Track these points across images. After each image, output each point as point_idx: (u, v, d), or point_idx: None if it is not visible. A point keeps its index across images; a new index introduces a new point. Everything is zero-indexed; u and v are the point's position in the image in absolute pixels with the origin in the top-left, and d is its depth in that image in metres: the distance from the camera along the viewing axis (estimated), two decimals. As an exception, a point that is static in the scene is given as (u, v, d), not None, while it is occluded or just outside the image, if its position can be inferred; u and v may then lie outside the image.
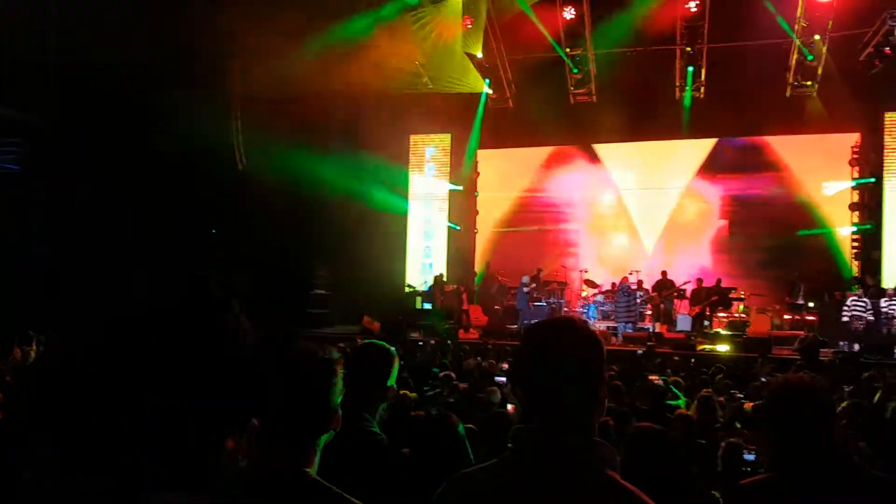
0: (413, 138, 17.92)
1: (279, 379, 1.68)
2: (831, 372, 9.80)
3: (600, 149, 17.33)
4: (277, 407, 1.66)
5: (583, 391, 1.45)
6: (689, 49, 14.97)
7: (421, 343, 12.34)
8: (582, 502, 1.37)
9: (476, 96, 16.74)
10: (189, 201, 12.99)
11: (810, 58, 14.39)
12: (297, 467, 1.64)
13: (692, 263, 16.04)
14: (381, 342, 2.62)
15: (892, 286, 13.23)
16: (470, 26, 15.29)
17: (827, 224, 15.59)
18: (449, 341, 11.88)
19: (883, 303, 12.77)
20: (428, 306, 16.17)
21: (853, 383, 8.06)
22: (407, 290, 17.01)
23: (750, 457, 4.30)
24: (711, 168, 16.60)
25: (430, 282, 16.64)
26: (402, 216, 17.88)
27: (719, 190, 16.57)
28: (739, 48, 14.73)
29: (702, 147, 16.67)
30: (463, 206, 18.05)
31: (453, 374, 6.34)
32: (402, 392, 6.08)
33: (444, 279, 16.46)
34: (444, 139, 17.87)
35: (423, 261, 17.95)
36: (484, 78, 16.32)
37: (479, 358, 9.41)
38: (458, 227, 17.91)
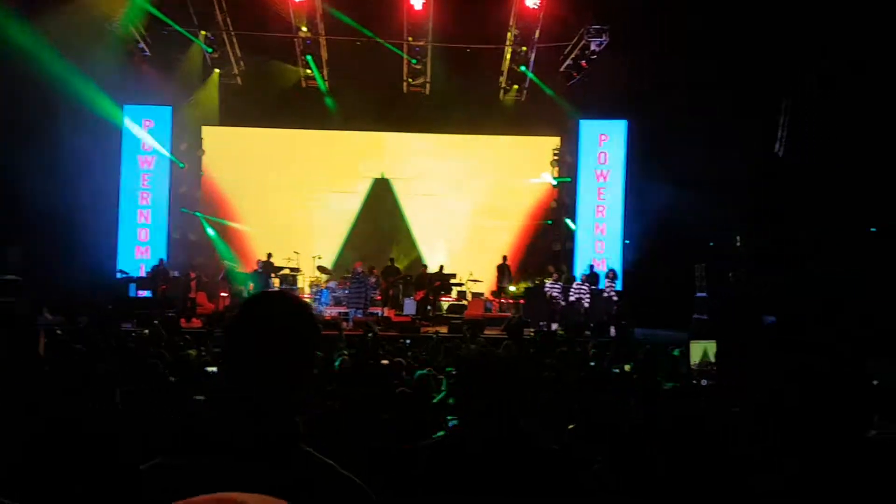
0: (128, 109, 16.24)
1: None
2: (534, 348, 11.03)
3: (329, 135, 17.39)
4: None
5: (289, 365, 1.39)
6: (410, 40, 15.48)
7: (134, 334, 11.32)
8: (287, 480, 1.31)
9: (202, 70, 15.76)
10: None
11: (522, 68, 15.90)
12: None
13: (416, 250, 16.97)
14: None
15: (582, 273, 15.26)
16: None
17: (531, 217, 17.46)
18: (164, 331, 11.00)
19: (574, 287, 14.62)
20: (145, 294, 14.86)
21: (552, 356, 9.15)
22: (119, 276, 15.41)
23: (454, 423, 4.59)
24: (435, 161, 17.58)
25: (149, 267, 15.34)
26: (114, 194, 16.16)
27: (440, 182, 17.62)
28: (462, 49, 15.71)
29: (427, 141, 17.55)
30: (186, 187, 16.91)
31: (160, 364, 5.85)
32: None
33: (165, 264, 15.25)
34: (164, 112, 16.45)
35: (139, 243, 16.43)
36: (209, 51, 15.37)
37: (201, 348, 8.85)
38: (185, 210, 16.74)
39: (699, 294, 13.85)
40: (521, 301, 15.48)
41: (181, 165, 16.63)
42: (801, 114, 14.67)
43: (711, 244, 15.10)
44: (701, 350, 7.28)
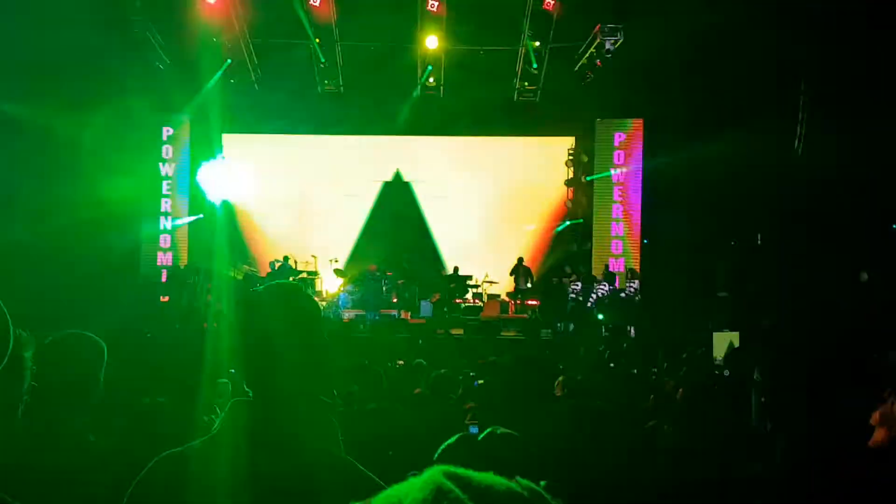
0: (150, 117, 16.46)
1: None
2: (552, 349, 11.06)
3: (347, 139, 17.50)
4: None
5: (301, 360, 1.41)
6: (428, 47, 15.53)
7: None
8: (299, 475, 1.33)
9: (220, 78, 15.91)
10: None
11: (535, 66, 15.87)
12: None
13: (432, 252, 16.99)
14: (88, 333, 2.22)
15: (600, 273, 15.20)
16: (212, 1, 14.43)
17: (546, 218, 17.40)
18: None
19: (593, 287, 14.56)
20: (167, 298, 15.04)
21: (570, 359, 9.20)
22: (142, 281, 15.63)
23: (474, 430, 4.60)
24: (450, 163, 17.60)
25: (170, 272, 15.59)
26: (136, 200, 16.38)
27: (455, 184, 17.64)
28: (474, 51, 15.70)
29: (441, 143, 17.56)
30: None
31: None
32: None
33: (188, 269, 15.46)
34: (183, 119, 16.65)
35: (161, 249, 16.64)
36: (226, 58, 15.54)
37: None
38: (202, 215, 16.92)
39: (720, 294, 13.75)
40: (538, 302, 15.45)
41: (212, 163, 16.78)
42: (821, 111, 14.50)
43: (733, 243, 14.97)
44: (724, 342, 7.21)
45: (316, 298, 14.69)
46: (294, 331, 1.40)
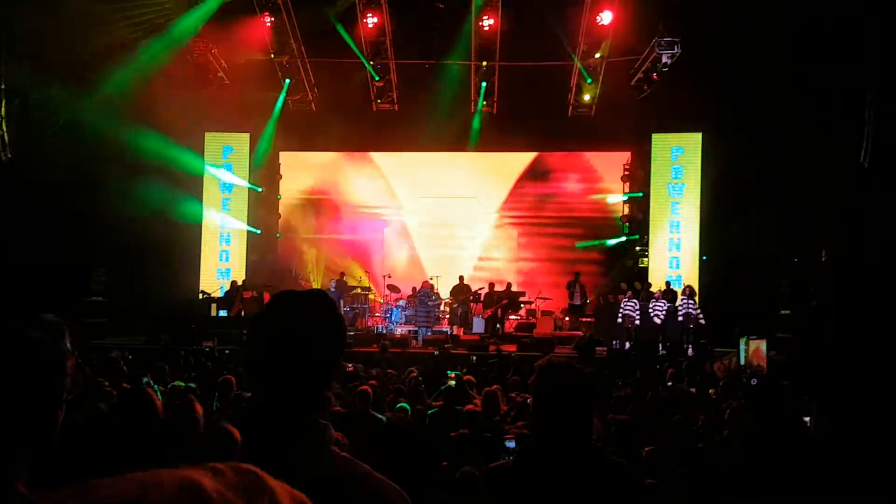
0: (208, 136, 16.96)
1: None
2: (607, 367, 10.82)
3: (401, 156, 17.66)
4: None
5: (312, 365, 1.37)
6: (484, 64, 15.61)
7: (215, 352, 11.71)
8: (305, 481, 1.28)
9: (276, 96, 16.30)
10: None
11: (589, 80, 15.72)
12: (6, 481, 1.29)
13: (484, 269, 16.89)
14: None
15: (657, 290, 14.82)
16: (269, 23, 14.83)
17: (601, 234, 17.12)
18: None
19: (651, 305, 14.21)
20: (224, 313, 15.36)
21: (626, 377, 8.99)
22: (200, 296, 16.02)
23: (511, 444, 4.51)
24: (503, 180, 17.55)
25: (227, 287, 15.92)
26: (196, 217, 16.86)
27: (509, 201, 17.56)
28: (528, 67, 15.66)
29: (494, 160, 17.56)
30: (264, 209, 17.46)
31: (233, 379, 6.03)
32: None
33: (244, 285, 15.76)
34: (243, 138, 17.11)
35: (219, 265, 17.05)
36: (284, 78, 15.92)
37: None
38: (259, 231, 17.27)
39: (783, 312, 13.26)
40: (592, 319, 15.18)
41: (259, 189, 17.21)
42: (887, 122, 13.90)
43: (796, 259, 14.43)
44: (752, 348, 6.96)
45: (371, 316, 14.73)
46: (305, 336, 1.37)
